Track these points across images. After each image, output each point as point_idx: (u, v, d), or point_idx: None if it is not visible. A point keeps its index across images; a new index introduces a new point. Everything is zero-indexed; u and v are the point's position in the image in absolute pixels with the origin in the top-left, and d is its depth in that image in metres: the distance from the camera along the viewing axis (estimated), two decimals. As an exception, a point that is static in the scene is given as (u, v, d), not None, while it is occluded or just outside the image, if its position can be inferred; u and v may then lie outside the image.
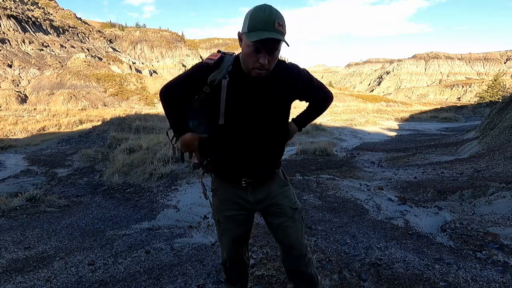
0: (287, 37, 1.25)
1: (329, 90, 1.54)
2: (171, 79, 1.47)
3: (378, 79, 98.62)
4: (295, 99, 1.44)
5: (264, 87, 1.34)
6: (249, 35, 1.19)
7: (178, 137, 1.44)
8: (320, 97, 1.53)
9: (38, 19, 43.50)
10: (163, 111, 1.44)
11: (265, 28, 1.17)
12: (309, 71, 1.47)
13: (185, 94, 1.40)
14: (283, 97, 1.38)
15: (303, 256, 1.53)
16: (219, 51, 1.40)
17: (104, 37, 57.52)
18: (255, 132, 1.38)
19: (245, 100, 1.34)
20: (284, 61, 1.40)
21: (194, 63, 1.49)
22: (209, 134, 1.41)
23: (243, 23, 1.25)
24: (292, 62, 1.43)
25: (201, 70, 1.35)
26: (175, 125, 1.44)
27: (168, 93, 1.41)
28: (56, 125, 19.14)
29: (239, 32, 1.29)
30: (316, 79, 1.49)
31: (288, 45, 1.23)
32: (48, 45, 40.70)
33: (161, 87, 1.43)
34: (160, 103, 1.44)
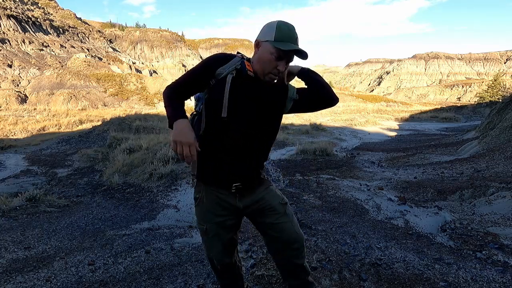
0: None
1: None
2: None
3: (378, 79, 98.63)
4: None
5: (269, 91, 1.42)
6: (279, 44, 1.31)
7: (172, 123, 1.33)
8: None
9: (38, 19, 43.49)
10: (164, 106, 1.42)
11: (291, 41, 1.32)
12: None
13: (194, 84, 1.42)
14: (282, 107, 1.47)
15: (302, 248, 1.55)
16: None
17: (104, 37, 57.52)
18: (252, 131, 1.40)
19: (248, 98, 1.38)
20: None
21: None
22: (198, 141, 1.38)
23: (265, 33, 1.35)
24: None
25: (213, 60, 1.41)
26: (172, 112, 1.36)
27: (175, 87, 1.43)
28: (56, 125, 19.14)
29: (258, 40, 1.38)
30: None
31: (306, 58, 1.37)
32: (48, 45, 40.70)
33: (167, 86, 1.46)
34: (163, 99, 1.44)
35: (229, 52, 1.48)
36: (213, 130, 1.39)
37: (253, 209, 1.50)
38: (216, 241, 1.52)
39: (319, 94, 1.46)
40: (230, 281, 1.70)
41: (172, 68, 52.52)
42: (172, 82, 1.46)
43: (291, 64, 1.44)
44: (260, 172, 1.51)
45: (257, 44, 1.38)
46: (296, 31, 1.36)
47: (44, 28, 43.83)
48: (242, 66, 1.37)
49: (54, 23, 46.48)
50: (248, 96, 1.38)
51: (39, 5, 49.23)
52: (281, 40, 1.31)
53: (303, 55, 1.34)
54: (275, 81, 1.43)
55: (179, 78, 1.47)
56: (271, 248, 1.60)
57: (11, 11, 39.03)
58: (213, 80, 1.39)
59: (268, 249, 1.65)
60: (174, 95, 1.42)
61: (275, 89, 1.44)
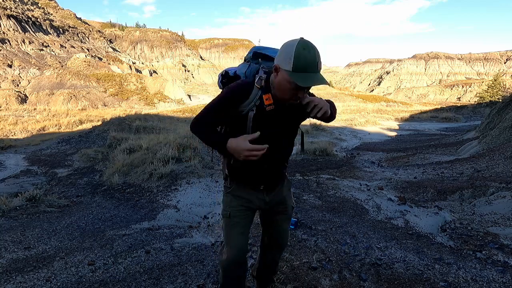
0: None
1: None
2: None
3: (378, 79, 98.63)
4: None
5: (291, 111, 1.46)
6: (296, 77, 1.24)
7: (224, 147, 1.36)
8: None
9: (38, 19, 43.51)
10: (201, 140, 1.45)
11: (310, 70, 1.25)
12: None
13: (221, 117, 1.45)
14: (299, 120, 1.55)
15: (285, 245, 1.81)
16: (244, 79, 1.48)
17: (104, 37, 57.55)
18: (275, 151, 1.48)
19: (271, 127, 1.44)
20: None
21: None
22: None
23: (283, 58, 1.28)
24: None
25: (234, 97, 1.41)
26: (216, 139, 1.40)
27: (202, 120, 1.43)
28: (56, 125, 19.15)
29: (276, 64, 1.32)
30: None
31: (328, 84, 1.31)
32: (48, 45, 40.71)
33: (193, 121, 1.47)
34: (197, 135, 1.45)
35: (245, 80, 1.46)
36: None
37: (275, 205, 1.64)
38: (237, 228, 1.60)
39: (325, 121, 1.55)
40: (238, 275, 1.68)
41: (172, 68, 52.54)
42: (197, 116, 1.47)
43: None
44: (283, 174, 1.65)
45: (276, 68, 1.34)
46: (317, 53, 1.26)
47: (44, 28, 43.84)
48: (261, 102, 1.39)
49: (54, 23, 46.50)
50: (271, 125, 1.43)
51: (39, 5, 49.26)
52: (300, 70, 1.24)
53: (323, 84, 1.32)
54: (295, 103, 1.42)
55: (202, 112, 1.45)
56: (265, 242, 1.79)
57: (11, 11, 39.04)
58: (237, 114, 1.42)
59: (262, 243, 1.84)
60: (203, 128, 1.43)
61: (297, 107, 1.44)
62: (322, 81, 1.27)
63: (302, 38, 1.27)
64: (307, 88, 1.33)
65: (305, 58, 1.23)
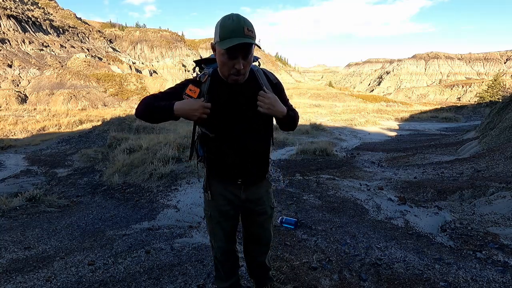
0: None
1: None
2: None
3: (378, 79, 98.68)
4: None
5: (246, 90, 1.41)
6: (221, 43, 1.25)
7: (172, 110, 1.31)
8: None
9: (38, 19, 43.49)
10: (148, 112, 1.35)
11: (235, 35, 1.23)
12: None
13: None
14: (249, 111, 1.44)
15: (269, 246, 1.80)
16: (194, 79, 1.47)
17: (104, 37, 57.52)
18: (242, 133, 1.45)
19: (228, 104, 1.41)
20: (265, 69, 1.52)
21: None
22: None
23: (215, 34, 1.30)
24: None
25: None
26: (164, 104, 1.34)
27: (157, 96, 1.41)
28: (56, 125, 19.14)
29: (212, 43, 1.36)
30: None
31: (260, 47, 1.34)
32: (48, 45, 40.69)
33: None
34: (143, 109, 1.36)
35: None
36: (210, 141, 1.49)
37: (252, 205, 1.61)
38: (219, 227, 1.63)
39: (283, 129, 1.53)
40: (227, 268, 1.75)
41: (172, 68, 52.49)
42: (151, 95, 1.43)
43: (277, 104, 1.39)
44: (263, 170, 1.59)
45: (213, 48, 1.35)
46: (243, 20, 1.25)
47: (44, 28, 43.82)
48: (212, 78, 1.42)
49: (54, 23, 46.48)
50: (230, 100, 1.40)
51: (39, 5, 49.25)
52: (226, 37, 1.24)
53: (252, 44, 1.26)
54: (239, 80, 1.37)
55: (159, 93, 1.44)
56: (248, 242, 1.79)
57: (11, 11, 39.02)
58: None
59: (244, 243, 1.82)
60: (152, 99, 1.38)
61: (253, 91, 1.41)
62: (245, 40, 1.22)
63: (230, 14, 1.30)
64: (241, 55, 1.27)
65: (229, 26, 1.24)
